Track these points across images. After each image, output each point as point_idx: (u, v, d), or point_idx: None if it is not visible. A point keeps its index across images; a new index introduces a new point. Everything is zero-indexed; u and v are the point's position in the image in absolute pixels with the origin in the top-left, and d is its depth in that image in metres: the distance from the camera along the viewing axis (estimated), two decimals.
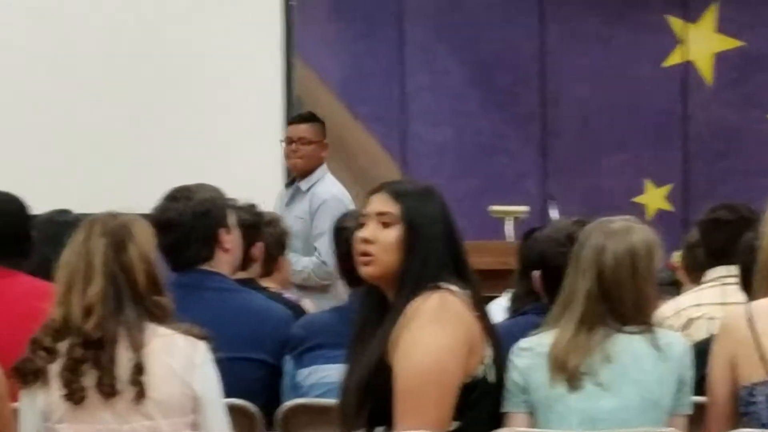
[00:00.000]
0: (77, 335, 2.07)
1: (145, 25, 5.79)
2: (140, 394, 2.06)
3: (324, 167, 4.82)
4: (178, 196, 2.69)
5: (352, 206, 4.34)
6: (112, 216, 2.18)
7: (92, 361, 2.07)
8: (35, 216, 2.88)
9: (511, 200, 5.18)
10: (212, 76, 5.71)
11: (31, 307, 2.33)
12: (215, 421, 2.15)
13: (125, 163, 5.58)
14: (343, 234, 2.65)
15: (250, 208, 3.10)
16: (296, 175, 4.85)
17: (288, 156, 4.79)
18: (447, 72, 6.57)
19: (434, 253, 2.16)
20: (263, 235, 3.13)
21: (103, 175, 5.50)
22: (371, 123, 6.57)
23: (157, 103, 5.54)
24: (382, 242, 2.17)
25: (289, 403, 2.63)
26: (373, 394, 2.13)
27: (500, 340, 2.19)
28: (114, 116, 5.71)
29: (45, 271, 2.47)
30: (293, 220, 4.58)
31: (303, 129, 4.79)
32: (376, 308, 2.23)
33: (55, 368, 2.07)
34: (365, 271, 2.20)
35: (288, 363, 2.67)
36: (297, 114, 5.19)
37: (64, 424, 2.10)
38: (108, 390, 2.04)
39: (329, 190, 4.71)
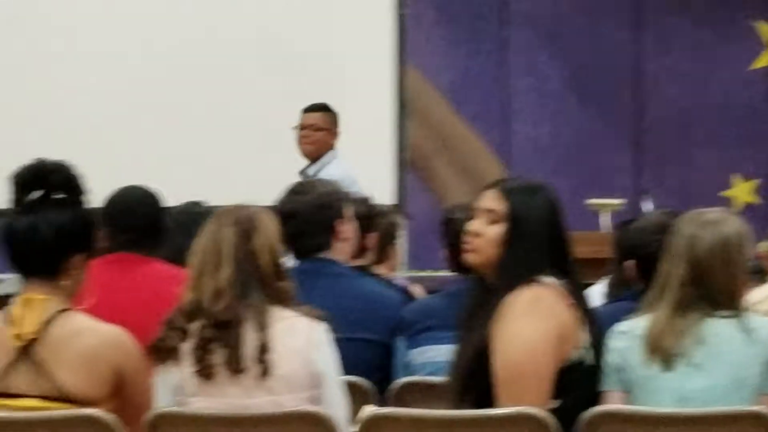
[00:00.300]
0: (208, 317, 2.25)
1: (269, 35, 6.36)
2: (265, 371, 2.23)
3: (333, 153, 5.01)
4: (300, 189, 2.95)
5: (355, 187, 4.45)
6: (240, 207, 2.38)
7: (221, 340, 2.24)
8: (171, 207, 3.16)
9: (607, 194, 5.44)
10: (329, 79, 6.18)
11: (164, 290, 2.57)
12: (334, 396, 2.32)
13: (251, 160, 6.11)
14: (452, 225, 2.86)
15: (365, 201, 3.34)
16: (308, 160, 5.05)
17: (300, 141, 5.01)
18: (547, 75, 6.92)
19: (533, 249, 2.34)
20: (376, 225, 3.36)
21: (232, 170, 6.05)
22: (476, 122, 6.89)
23: (280, 106, 5.93)
24: (486, 237, 2.36)
25: (401, 381, 2.81)
26: (477, 377, 2.33)
27: (597, 324, 2.37)
28: (242, 118, 6.30)
29: (178, 259, 2.68)
30: None
31: (315, 117, 5.05)
32: (482, 295, 2.42)
33: (187, 347, 2.25)
34: (469, 258, 2.40)
35: (400, 343, 2.88)
36: (311, 104, 5.35)
37: (196, 398, 2.29)
38: (235, 367, 2.22)
39: (334, 173, 4.76)
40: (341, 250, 2.91)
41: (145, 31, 6.56)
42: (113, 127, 6.37)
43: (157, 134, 6.36)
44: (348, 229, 2.92)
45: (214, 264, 2.28)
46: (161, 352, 2.30)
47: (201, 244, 2.33)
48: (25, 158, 2.32)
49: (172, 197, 3.16)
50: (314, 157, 4.98)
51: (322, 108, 5.19)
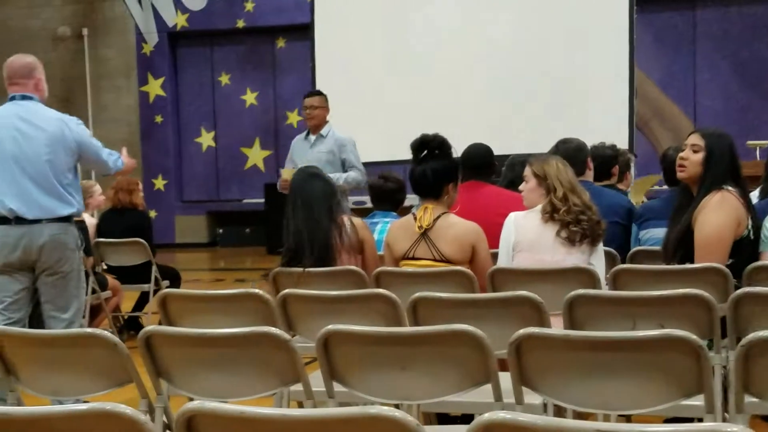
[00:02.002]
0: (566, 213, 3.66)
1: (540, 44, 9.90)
2: (573, 242, 3.64)
3: (329, 123, 6.57)
4: (566, 140, 4.43)
5: (353, 143, 6.52)
6: (546, 155, 3.89)
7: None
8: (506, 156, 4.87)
9: (759, 138, 8.24)
10: (580, 77, 9.66)
11: (496, 202, 4.11)
12: (599, 259, 3.74)
13: (539, 127, 9.27)
14: (668, 157, 4.31)
15: (612, 146, 4.82)
16: (310, 130, 6.55)
17: (306, 117, 6.57)
18: (720, 69, 12.52)
19: (721, 169, 3.68)
20: (618, 160, 4.87)
21: (531, 132, 9.22)
22: (676, 100, 12.48)
23: (551, 92, 9.54)
24: (691, 161, 3.76)
25: (634, 249, 4.26)
26: (683, 246, 3.74)
27: (756, 213, 3.75)
28: (534, 90, 9.77)
29: (508, 187, 4.31)
30: (319, 154, 6.36)
31: (314, 100, 6.58)
32: (687, 198, 3.83)
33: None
34: (680, 175, 3.81)
35: (634, 227, 4.38)
36: (310, 90, 7.20)
37: (522, 253, 3.76)
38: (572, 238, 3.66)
39: (343, 136, 6.50)
40: (589, 176, 4.43)
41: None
42: (466, 105, 9.90)
43: (491, 111, 9.82)
44: (590, 163, 4.45)
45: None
46: (574, 236, 3.69)
47: (551, 172, 3.73)
48: (417, 133, 3.95)
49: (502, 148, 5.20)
50: (316, 127, 6.52)
51: (318, 93, 6.79)
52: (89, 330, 2.59)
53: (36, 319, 4.29)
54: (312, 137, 6.58)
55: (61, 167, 4.22)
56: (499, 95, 9.88)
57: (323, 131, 6.54)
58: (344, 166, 6.47)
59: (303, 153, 6.51)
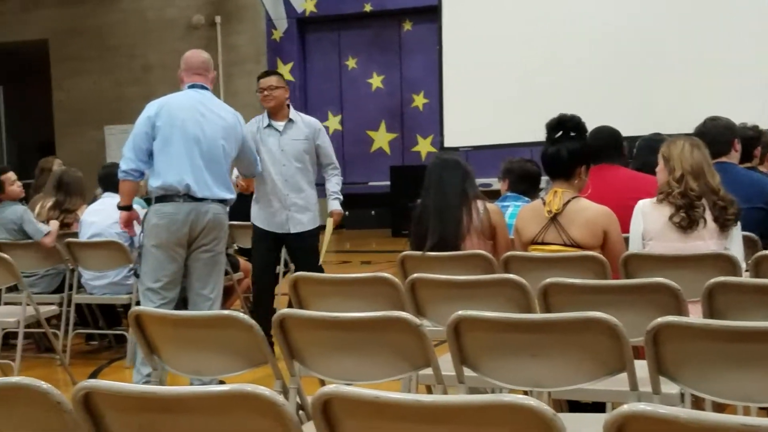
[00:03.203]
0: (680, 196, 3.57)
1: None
2: (684, 228, 3.55)
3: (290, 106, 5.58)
4: (713, 118, 4.28)
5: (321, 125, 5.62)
6: (683, 137, 3.73)
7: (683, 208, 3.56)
8: (630, 137, 4.67)
9: None
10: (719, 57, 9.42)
11: (627, 185, 4.01)
12: (736, 244, 3.63)
13: (674, 108, 8.95)
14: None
15: (754, 128, 4.64)
16: (270, 113, 5.57)
17: (262, 100, 5.59)
18: None
19: None
20: (760, 141, 4.71)
21: (664, 113, 8.79)
22: None
23: (688, 73, 9.35)
24: None
25: None
26: None
27: None
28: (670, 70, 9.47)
29: (643, 169, 4.17)
30: (295, 143, 5.45)
31: (272, 79, 5.65)
32: None
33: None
34: None
35: None
36: (264, 71, 6.08)
37: (652, 242, 3.69)
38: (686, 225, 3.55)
39: (316, 121, 5.66)
40: (734, 158, 4.27)
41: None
42: (597, 86, 9.75)
43: (622, 92, 9.60)
44: (739, 147, 4.27)
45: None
46: (684, 221, 3.58)
47: (674, 153, 3.62)
48: (546, 116, 3.88)
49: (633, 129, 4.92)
50: (276, 108, 5.54)
51: (275, 72, 5.91)
52: (226, 312, 2.66)
53: (180, 301, 4.48)
54: (278, 123, 5.59)
55: (229, 155, 4.52)
56: (630, 76, 9.60)
57: (292, 115, 5.61)
58: (319, 156, 5.59)
59: (273, 143, 5.53)
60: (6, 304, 5.50)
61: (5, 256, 4.89)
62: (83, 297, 5.74)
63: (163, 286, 4.39)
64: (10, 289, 5.41)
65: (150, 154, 4.39)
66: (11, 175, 5.84)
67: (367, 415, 1.63)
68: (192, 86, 4.56)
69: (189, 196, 4.34)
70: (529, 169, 4.84)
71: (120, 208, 4.57)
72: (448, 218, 3.99)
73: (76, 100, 15.85)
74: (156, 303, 4.33)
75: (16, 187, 5.87)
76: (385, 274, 3.32)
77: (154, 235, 4.35)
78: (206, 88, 4.58)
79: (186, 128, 4.38)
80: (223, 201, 4.47)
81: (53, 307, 5.46)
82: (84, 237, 5.71)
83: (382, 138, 15.40)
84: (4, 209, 5.81)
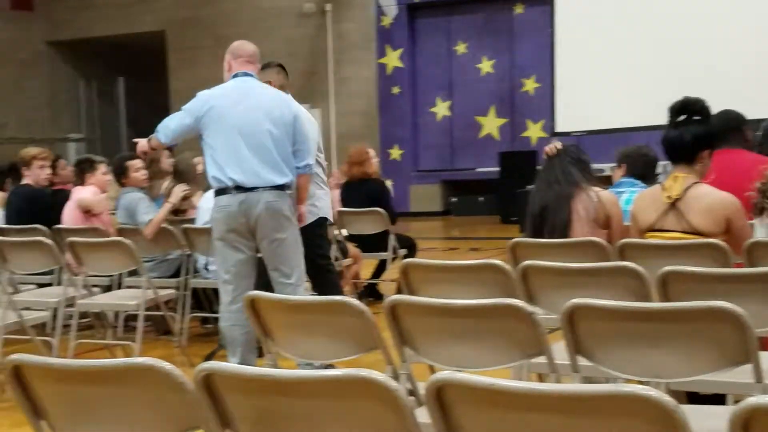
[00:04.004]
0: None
1: None
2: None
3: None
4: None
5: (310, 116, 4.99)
6: None
7: None
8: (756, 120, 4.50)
9: None
10: None
11: (751, 170, 3.84)
12: None
13: None
14: None
15: None
16: None
17: None
18: None
19: None
20: None
21: None
22: None
23: None
24: None
25: None
26: None
27: None
28: None
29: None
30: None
31: (273, 73, 5.15)
32: None
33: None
34: None
35: None
36: (266, 62, 5.38)
37: None
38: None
39: (304, 114, 4.85)
40: None
41: None
42: (715, 68, 9.53)
43: (742, 75, 9.47)
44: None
45: None
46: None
47: None
48: (662, 100, 3.76)
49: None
50: None
51: (278, 65, 5.31)
52: (338, 297, 2.68)
53: (264, 287, 4.47)
54: None
55: (279, 139, 4.39)
56: (750, 57, 9.22)
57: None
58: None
59: None
60: (127, 287, 5.69)
61: (126, 241, 5.05)
62: (199, 281, 5.89)
63: (233, 277, 4.40)
64: (131, 274, 5.59)
65: (182, 140, 4.57)
66: (137, 163, 6.04)
67: (481, 402, 1.61)
68: (235, 75, 4.52)
69: (240, 187, 4.33)
70: (647, 153, 4.71)
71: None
72: (560, 206, 3.93)
73: (191, 89, 16.21)
74: (230, 295, 4.37)
75: (140, 174, 6.07)
76: (496, 261, 3.29)
77: (216, 229, 4.42)
78: (252, 76, 4.53)
79: (230, 120, 4.37)
80: (279, 187, 4.37)
81: (171, 291, 5.61)
82: (199, 223, 5.85)
83: (491, 123, 15.28)
84: (125, 195, 6.02)
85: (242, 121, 4.37)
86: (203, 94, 4.51)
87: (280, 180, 4.37)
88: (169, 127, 4.53)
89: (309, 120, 4.96)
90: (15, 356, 1.92)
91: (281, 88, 4.90)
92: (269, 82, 5.09)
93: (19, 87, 17.28)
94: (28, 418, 1.97)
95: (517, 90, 14.91)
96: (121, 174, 6.09)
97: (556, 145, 4.21)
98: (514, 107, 14.92)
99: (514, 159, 14.01)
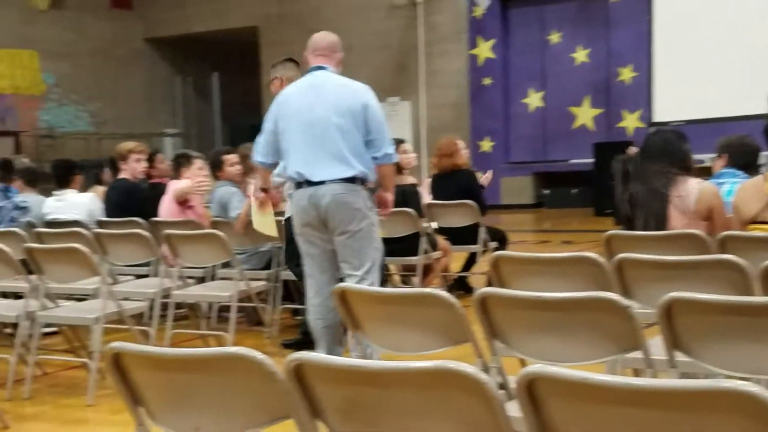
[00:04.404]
0: None
1: None
2: None
3: None
4: None
5: None
6: None
7: None
8: None
9: None
10: None
11: None
12: None
13: None
14: None
15: None
16: None
17: (274, 89, 5.14)
18: None
19: None
20: None
21: None
22: None
23: None
24: None
25: None
26: None
27: None
28: None
29: None
30: None
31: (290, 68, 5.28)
32: None
33: None
34: None
35: None
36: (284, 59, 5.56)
37: None
38: None
39: None
40: None
41: None
42: None
43: None
44: None
45: None
46: None
47: None
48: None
49: None
50: None
51: (287, 60, 5.50)
52: (428, 290, 2.67)
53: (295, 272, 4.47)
54: None
55: (347, 131, 4.33)
56: None
57: None
58: None
59: None
60: (220, 279, 5.79)
61: (220, 234, 5.14)
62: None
63: (310, 270, 4.44)
64: (224, 266, 5.69)
65: (277, 150, 4.48)
66: (232, 158, 6.17)
67: (574, 396, 1.58)
68: (311, 69, 4.51)
69: (309, 182, 4.34)
70: (749, 143, 4.56)
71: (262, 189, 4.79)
72: (657, 197, 3.82)
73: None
74: (312, 289, 4.42)
75: (234, 169, 6.18)
76: (590, 254, 3.22)
77: (294, 224, 4.48)
78: (324, 68, 4.48)
79: (299, 116, 4.37)
80: (348, 180, 4.31)
81: (262, 283, 5.69)
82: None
83: (585, 114, 15.03)
84: (219, 188, 6.13)
85: (309, 115, 4.36)
86: (278, 96, 4.55)
87: (349, 173, 4.32)
88: (260, 143, 4.56)
89: None
90: (115, 344, 1.97)
91: (289, 81, 4.97)
92: (278, 79, 5.31)
93: (118, 84, 17.82)
94: (127, 404, 2.02)
95: (612, 79, 14.62)
96: (216, 167, 6.21)
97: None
98: (610, 97, 14.63)
99: (609, 150, 13.71)
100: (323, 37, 4.59)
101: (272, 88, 5.34)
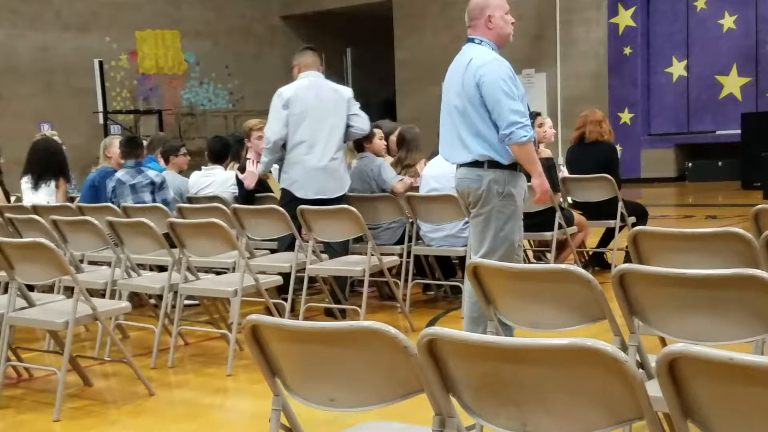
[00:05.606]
0: None
1: None
2: None
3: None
4: None
5: None
6: None
7: None
8: None
9: None
10: None
11: None
12: None
13: None
14: None
15: None
16: None
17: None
18: None
19: None
20: None
21: None
22: None
23: None
24: None
25: None
26: None
27: None
28: None
29: None
30: None
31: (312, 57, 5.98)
32: None
33: None
34: None
35: None
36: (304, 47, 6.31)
37: None
38: None
39: None
40: None
41: None
42: None
43: None
44: None
45: None
46: None
47: None
48: None
49: None
50: None
51: (306, 48, 6.12)
52: (564, 266, 2.61)
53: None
54: None
55: (465, 113, 4.19)
56: None
57: None
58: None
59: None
60: (353, 254, 5.86)
61: (353, 209, 5.20)
62: (422, 248, 5.96)
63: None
64: (356, 240, 5.75)
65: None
66: (379, 132, 6.26)
67: (718, 377, 1.51)
68: (467, 41, 4.37)
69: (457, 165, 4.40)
70: None
71: None
72: None
73: (416, 57, 16.47)
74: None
75: (382, 143, 6.29)
76: (737, 229, 3.08)
77: None
78: (471, 40, 4.25)
79: (444, 98, 4.35)
80: (470, 164, 4.22)
81: (395, 258, 5.73)
82: (423, 191, 5.92)
83: (732, 83, 14.39)
84: (364, 159, 6.19)
85: (445, 99, 4.33)
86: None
87: (467, 157, 4.21)
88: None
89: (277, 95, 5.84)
90: (252, 317, 2.01)
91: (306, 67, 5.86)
92: (297, 66, 6.02)
93: (256, 61, 18.24)
94: (264, 374, 2.06)
95: (762, 47, 13.92)
96: (364, 138, 6.20)
97: None
98: (759, 65, 13.95)
99: (758, 120, 13.14)
100: (468, 6, 4.36)
101: (293, 74, 6.11)
